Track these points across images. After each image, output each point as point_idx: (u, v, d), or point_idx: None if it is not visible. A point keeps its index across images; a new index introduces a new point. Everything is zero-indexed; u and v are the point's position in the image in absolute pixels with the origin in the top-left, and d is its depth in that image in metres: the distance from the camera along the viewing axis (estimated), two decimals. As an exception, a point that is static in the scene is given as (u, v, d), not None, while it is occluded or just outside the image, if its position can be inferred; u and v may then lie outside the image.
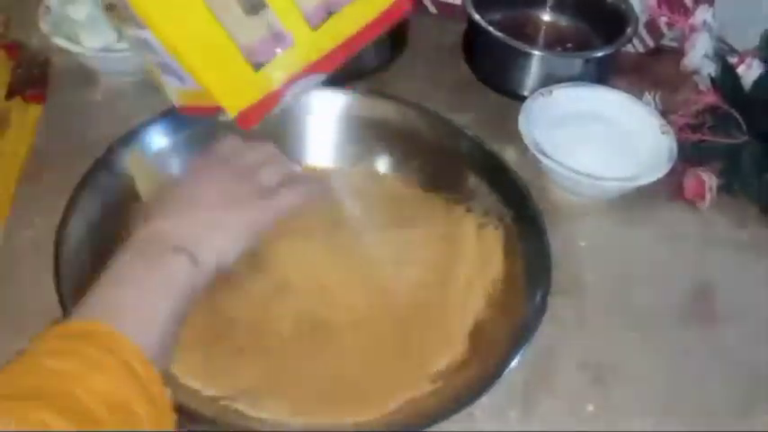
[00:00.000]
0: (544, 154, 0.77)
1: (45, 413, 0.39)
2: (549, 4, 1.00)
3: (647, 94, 0.90)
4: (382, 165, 0.79)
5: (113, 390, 0.43)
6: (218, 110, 0.58)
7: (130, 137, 0.71)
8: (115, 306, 0.48)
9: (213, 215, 0.55)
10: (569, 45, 0.97)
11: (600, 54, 0.91)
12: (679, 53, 0.97)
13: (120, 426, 0.42)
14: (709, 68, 0.91)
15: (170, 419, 0.46)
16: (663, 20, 0.98)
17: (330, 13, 0.59)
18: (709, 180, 0.81)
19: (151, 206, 0.58)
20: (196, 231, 0.54)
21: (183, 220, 0.54)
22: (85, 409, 0.41)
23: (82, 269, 0.63)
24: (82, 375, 0.43)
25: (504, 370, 0.58)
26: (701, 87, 0.90)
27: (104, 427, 0.41)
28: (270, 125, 0.78)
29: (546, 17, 1.00)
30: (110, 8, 0.62)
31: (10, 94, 0.83)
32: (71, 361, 0.43)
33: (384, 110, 0.79)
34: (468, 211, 0.74)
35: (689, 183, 0.82)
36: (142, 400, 0.43)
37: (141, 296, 0.49)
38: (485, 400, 0.59)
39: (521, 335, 0.61)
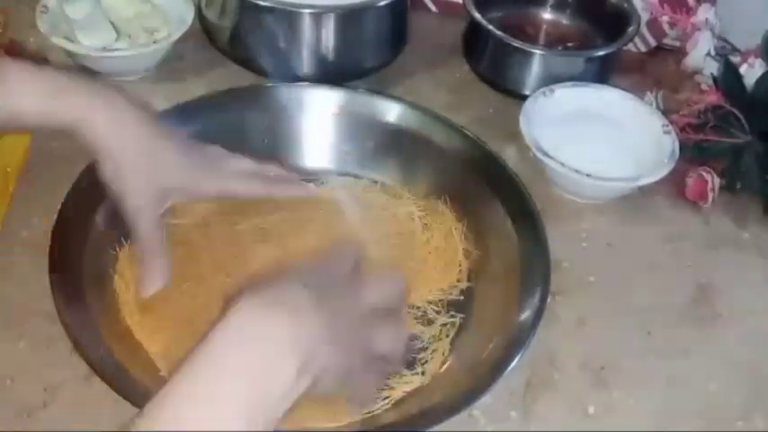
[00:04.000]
0: (545, 154, 0.77)
1: None
2: (550, 2, 0.99)
3: (648, 93, 0.89)
4: (381, 164, 0.79)
5: None
6: None
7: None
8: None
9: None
10: (570, 44, 0.96)
11: (601, 53, 0.90)
12: (681, 52, 0.97)
13: None
14: (712, 68, 0.90)
15: None
16: (665, 19, 0.97)
17: None
18: (712, 180, 0.80)
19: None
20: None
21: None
22: None
23: (78, 269, 0.63)
24: None
25: (504, 370, 0.58)
26: (703, 87, 0.90)
27: None
28: (267, 124, 0.79)
29: (547, 16, 1.00)
30: None
31: (8, 93, 0.82)
32: None
33: (383, 109, 0.79)
34: (467, 210, 0.74)
35: (691, 183, 0.81)
36: None
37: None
38: (485, 400, 0.59)
39: (521, 335, 0.61)
